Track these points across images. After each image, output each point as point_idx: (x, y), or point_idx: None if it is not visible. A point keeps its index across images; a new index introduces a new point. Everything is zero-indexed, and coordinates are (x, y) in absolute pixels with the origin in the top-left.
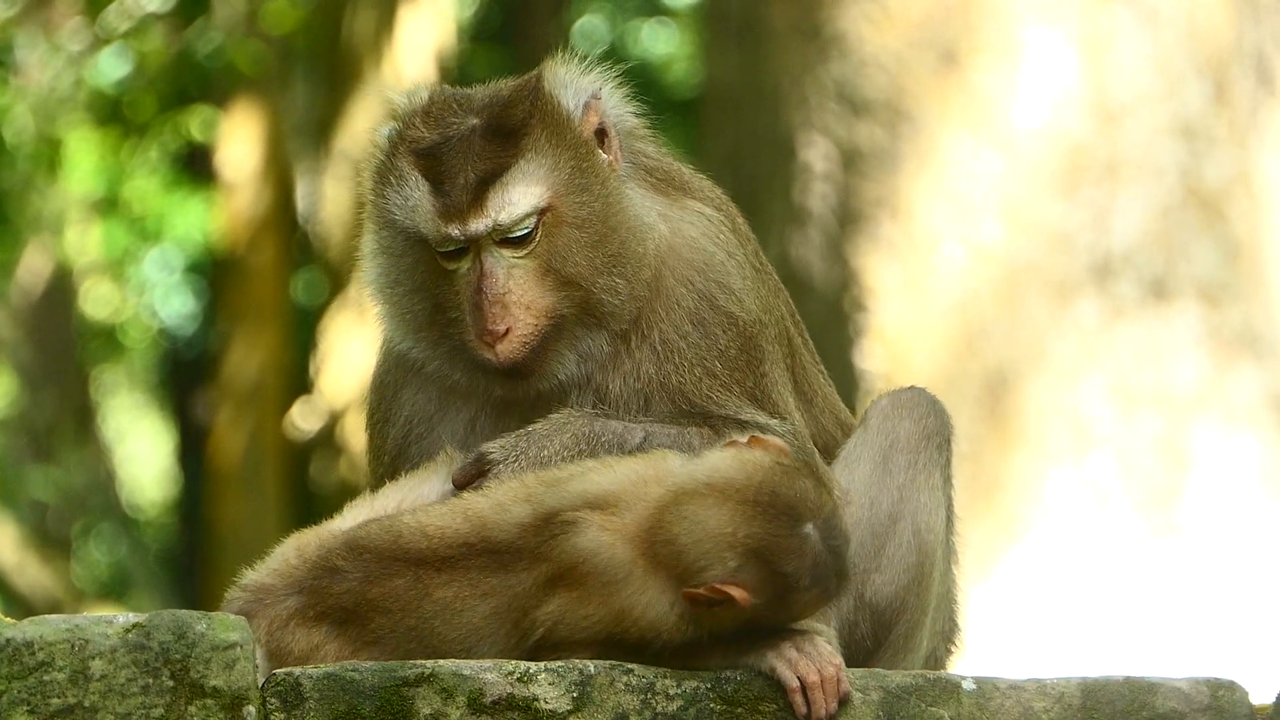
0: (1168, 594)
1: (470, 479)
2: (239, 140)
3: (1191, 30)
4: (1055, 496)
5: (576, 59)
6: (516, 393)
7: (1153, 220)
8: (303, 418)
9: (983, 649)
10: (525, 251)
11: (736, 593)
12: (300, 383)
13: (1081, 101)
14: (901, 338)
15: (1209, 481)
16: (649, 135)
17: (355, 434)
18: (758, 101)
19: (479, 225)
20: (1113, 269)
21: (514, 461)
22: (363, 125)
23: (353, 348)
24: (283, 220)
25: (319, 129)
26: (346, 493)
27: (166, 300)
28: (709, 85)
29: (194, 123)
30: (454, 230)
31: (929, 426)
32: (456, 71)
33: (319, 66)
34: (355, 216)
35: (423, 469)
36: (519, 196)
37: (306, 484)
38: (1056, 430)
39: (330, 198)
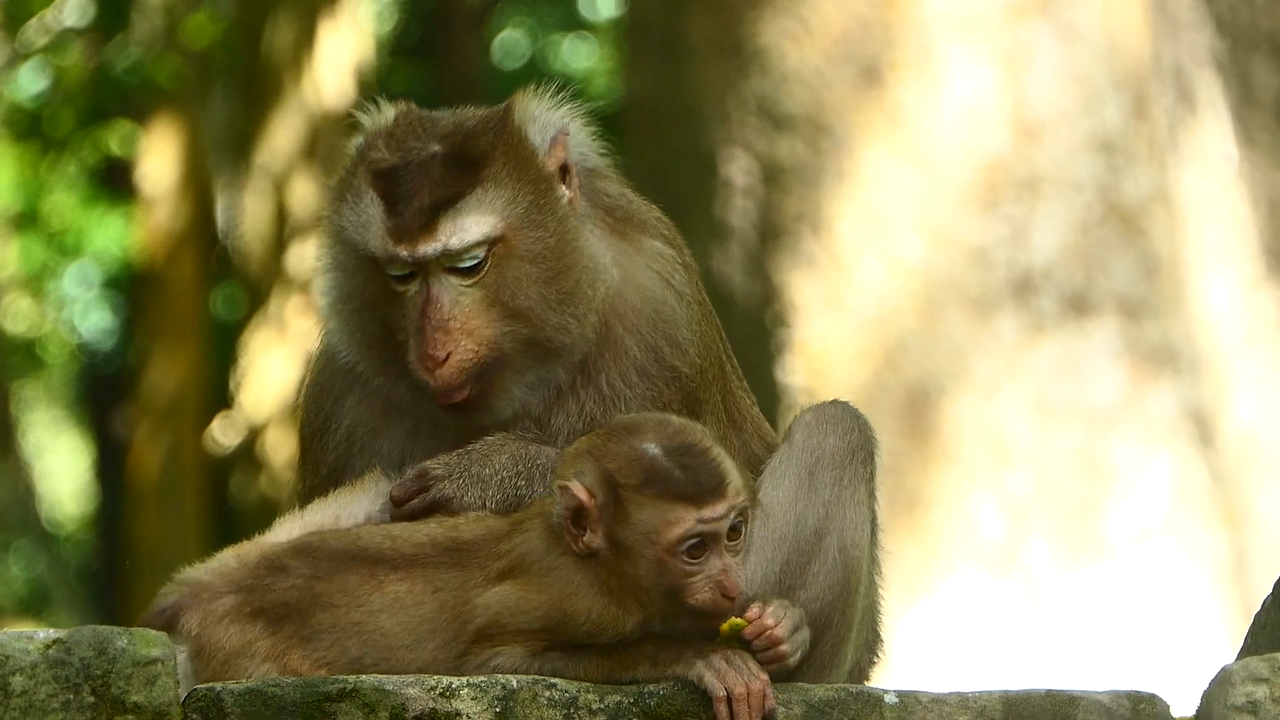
0: (1087, 609)
1: (411, 495)
2: (158, 155)
3: (1110, 46)
4: (975, 511)
5: (548, 92)
6: (460, 423)
7: (1072, 236)
8: (222, 433)
9: (904, 665)
10: (473, 280)
11: (575, 485)
12: (220, 398)
13: (1000, 117)
14: (822, 353)
15: (1127, 496)
16: (611, 174)
17: (275, 449)
18: (679, 116)
19: (428, 249)
20: (1032, 284)
21: (456, 478)
22: (282, 140)
23: (273, 363)
24: (202, 235)
25: (238, 144)
26: (266, 508)
27: (85, 315)
28: (630, 100)
29: (113, 138)
30: (403, 252)
31: (854, 441)
32: (376, 86)
33: (238, 81)
34: (314, 230)
35: (353, 486)
36: (471, 224)
37: (226, 499)
38: (976, 445)
39: (250, 213)
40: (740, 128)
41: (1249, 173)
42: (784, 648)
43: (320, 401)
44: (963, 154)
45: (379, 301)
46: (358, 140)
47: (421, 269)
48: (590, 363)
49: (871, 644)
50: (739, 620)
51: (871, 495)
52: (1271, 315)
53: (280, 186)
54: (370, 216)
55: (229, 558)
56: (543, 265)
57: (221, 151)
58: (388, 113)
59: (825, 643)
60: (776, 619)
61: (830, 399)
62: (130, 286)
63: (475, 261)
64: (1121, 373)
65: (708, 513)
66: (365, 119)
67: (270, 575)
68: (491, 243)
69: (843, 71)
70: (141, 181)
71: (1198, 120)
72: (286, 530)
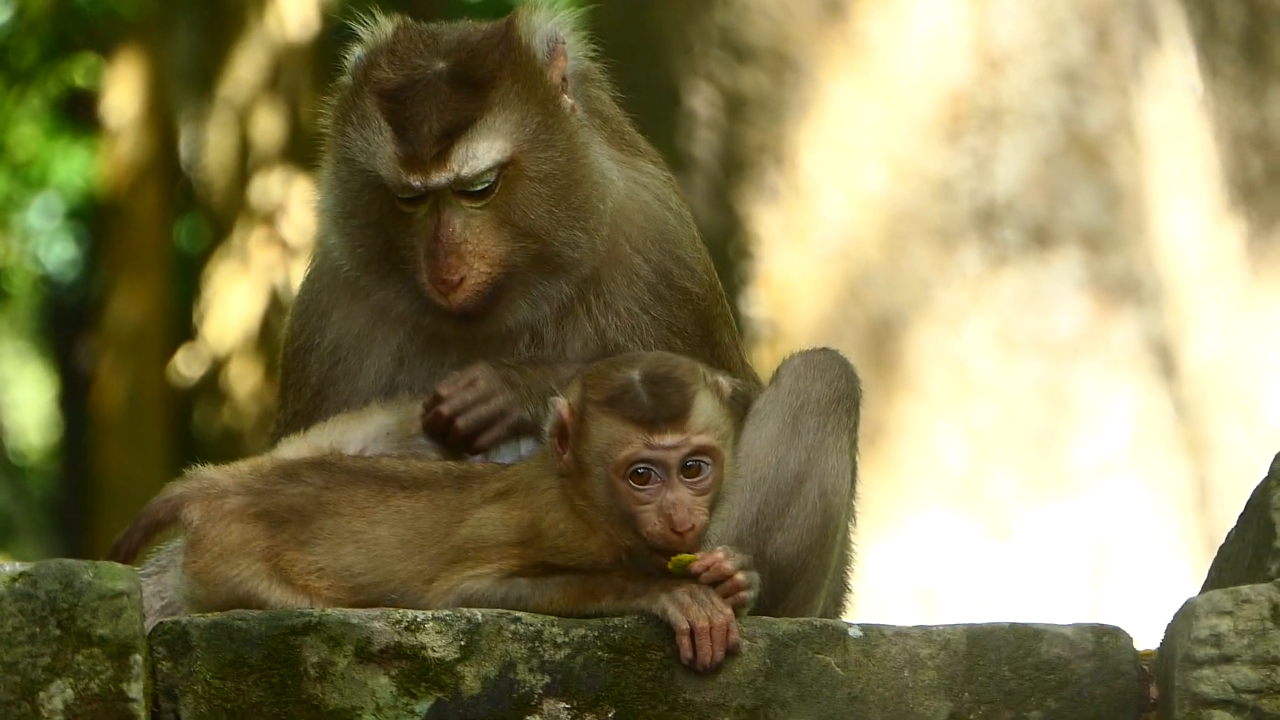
0: (1051, 541)
1: (461, 399)
2: (122, 87)
3: None
4: (939, 443)
5: (544, 5)
6: (465, 334)
7: (1035, 167)
8: (186, 365)
9: (869, 597)
10: (484, 203)
11: (560, 402)
12: (183, 330)
13: (964, 49)
14: (787, 285)
15: (1090, 427)
16: (604, 81)
17: (239, 381)
18: (642, 48)
19: (440, 177)
20: (995, 216)
21: (516, 388)
22: (246, 72)
23: (236, 295)
24: (166, 167)
25: (202, 76)
26: (230, 439)
27: (49, 247)
28: (592, 31)
29: (77, 70)
30: (415, 180)
31: (840, 389)
32: (340, 18)
33: (202, 13)
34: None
35: (357, 414)
36: (483, 151)
37: (190, 431)
38: (939, 376)
39: (213, 145)
40: (704, 59)
41: (1213, 104)
42: (740, 577)
43: (306, 318)
44: (926, 85)
45: (384, 220)
46: (357, 54)
47: (432, 193)
48: (602, 283)
49: (839, 595)
50: (687, 555)
51: (854, 445)
52: (1234, 246)
53: (244, 118)
54: (378, 141)
55: (244, 464)
56: (553, 184)
57: (185, 83)
58: (386, 26)
59: (799, 587)
60: (726, 554)
61: (820, 345)
62: (94, 218)
63: (486, 185)
64: (1084, 304)
65: (657, 440)
66: (363, 32)
67: (282, 482)
68: (503, 166)
69: (806, 3)
70: (105, 114)
71: (1161, 51)
72: (292, 450)
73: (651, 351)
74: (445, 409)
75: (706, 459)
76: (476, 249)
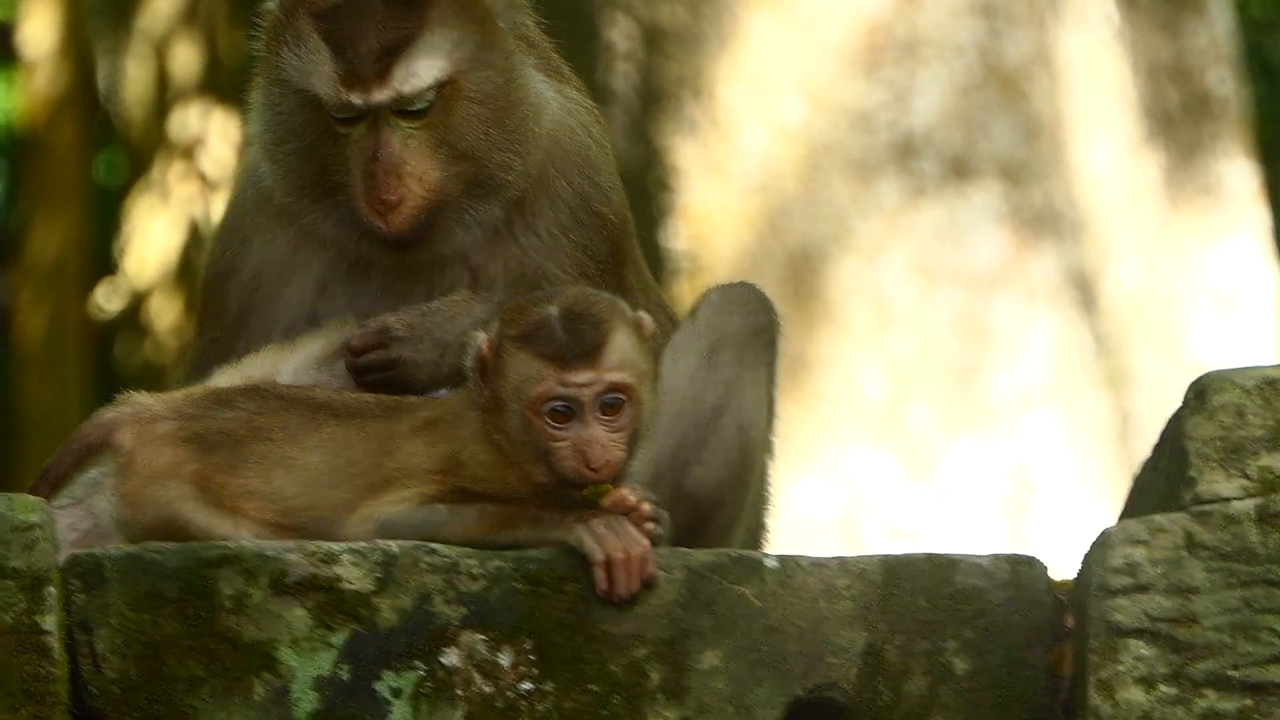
0: (970, 474)
1: (369, 347)
2: (38, 19)
3: None
4: (858, 375)
5: None
6: (396, 260)
7: (953, 99)
8: (106, 299)
9: (787, 529)
10: (422, 123)
11: (480, 336)
12: (103, 264)
13: None
14: (705, 217)
15: (1009, 360)
16: (529, 8)
17: (159, 315)
18: None
19: (381, 95)
20: (913, 148)
21: (416, 341)
22: (164, 4)
23: (156, 229)
24: (83, 100)
25: (119, 8)
26: (150, 373)
27: None
28: None
29: None
30: (355, 98)
31: (757, 323)
32: None
33: None
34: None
35: (288, 344)
36: (423, 69)
37: (110, 366)
38: (858, 309)
39: (131, 77)
40: None
41: (1129, 35)
42: (645, 508)
43: (227, 244)
44: (844, 17)
45: (319, 144)
46: None
47: (370, 113)
48: (526, 204)
49: (756, 532)
50: (603, 484)
51: (772, 380)
52: (1152, 178)
53: (161, 51)
54: (315, 61)
55: (178, 392)
56: (490, 105)
57: (102, 15)
58: None
59: (717, 522)
60: (632, 489)
61: (738, 280)
62: (11, 151)
63: (426, 105)
64: (1003, 236)
65: (570, 377)
66: None
67: (215, 407)
68: (442, 85)
69: None
70: (21, 45)
71: None
72: (225, 380)
73: (573, 286)
74: (353, 344)
75: (621, 396)
76: (414, 170)
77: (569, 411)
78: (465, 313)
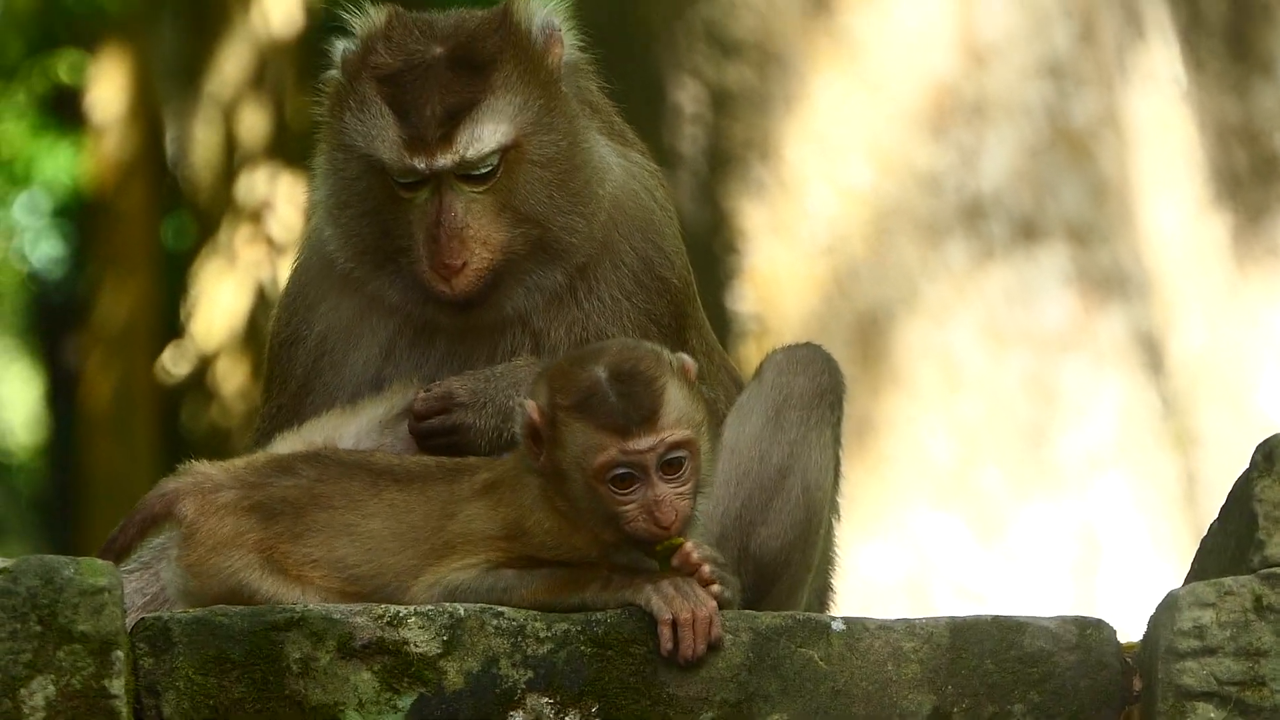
0: (1038, 536)
1: (432, 412)
2: (107, 83)
3: None
4: (926, 437)
5: None
6: (459, 322)
7: (1021, 160)
8: (173, 362)
9: (854, 592)
10: (486, 187)
11: (529, 404)
12: (170, 327)
13: (949, 42)
14: (772, 280)
15: (1077, 421)
16: (593, 74)
17: (226, 379)
18: (628, 43)
19: (444, 160)
20: (981, 209)
21: (479, 408)
22: (231, 68)
23: (223, 292)
24: (152, 164)
25: (187, 72)
26: (217, 437)
27: (35, 244)
28: (578, 25)
29: (62, 66)
30: (418, 163)
31: (823, 384)
32: (324, 15)
33: (187, 9)
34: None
35: (350, 407)
36: (487, 133)
37: (178, 429)
38: (927, 371)
39: (199, 141)
40: (689, 54)
41: (1197, 96)
42: (706, 569)
43: (293, 310)
44: (912, 79)
45: (382, 208)
46: (349, 45)
47: (433, 177)
48: (589, 269)
49: (822, 593)
50: (676, 539)
51: (837, 440)
52: (1220, 239)
53: (229, 115)
54: (378, 125)
55: (239, 460)
56: (554, 169)
57: (170, 79)
58: (378, 16)
59: (783, 583)
60: (696, 546)
61: (804, 340)
62: (80, 215)
63: (489, 169)
64: (1071, 298)
65: (632, 444)
66: (354, 23)
67: (276, 475)
68: (506, 149)
69: None
70: (91, 110)
71: (1146, 44)
72: (287, 446)
73: (615, 340)
74: (416, 408)
75: (683, 452)
76: (478, 234)
77: (633, 476)
78: (528, 378)
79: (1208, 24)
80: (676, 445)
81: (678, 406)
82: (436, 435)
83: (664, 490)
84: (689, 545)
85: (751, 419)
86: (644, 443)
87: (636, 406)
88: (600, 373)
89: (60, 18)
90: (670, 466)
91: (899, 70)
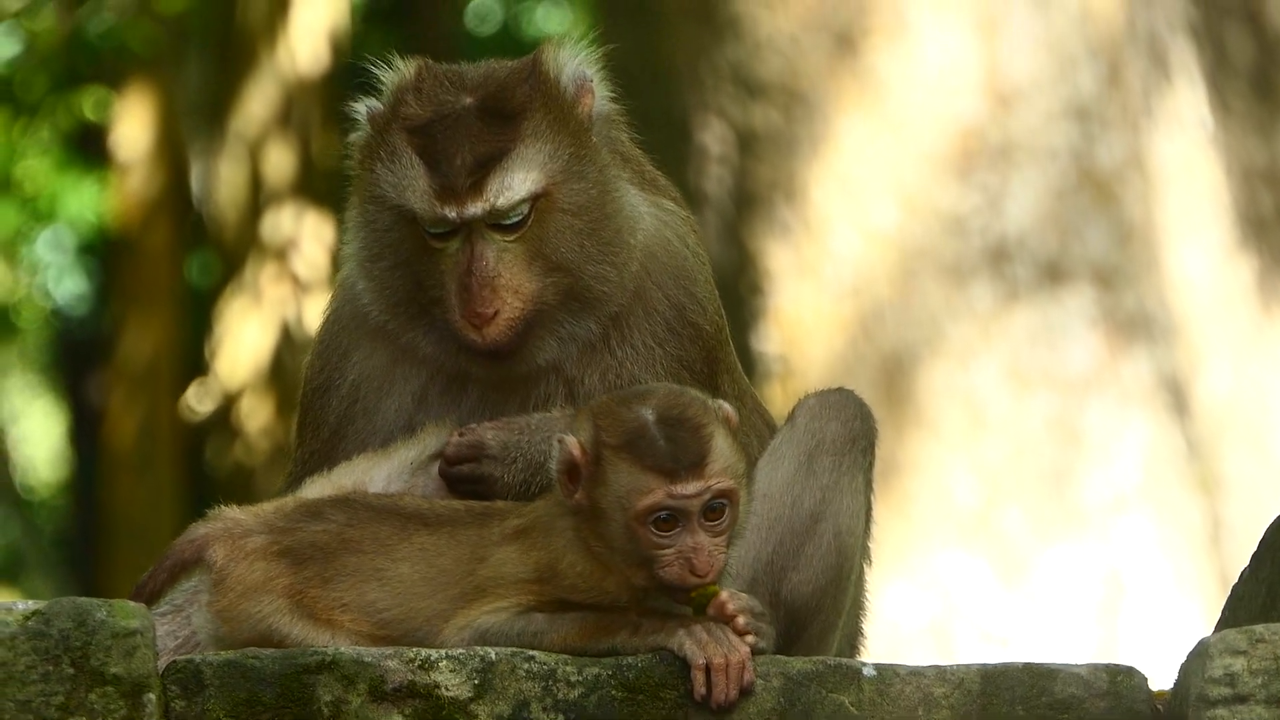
0: (1063, 578)
1: (463, 460)
2: (132, 121)
3: (1084, 12)
4: (951, 479)
5: (569, 41)
6: (492, 373)
7: (1046, 203)
8: (197, 400)
9: (881, 635)
10: (516, 236)
11: (570, 441)
12: (194, 365)
13: (975, 84)
14: (798, 321)
15: (1102, 463)
16: (623, 123)
17: (250, 417)
18: (653, 83)
19: (475, 209)
20: (1007, 252)
21: (510, 462)
22: (257, 106)
23: (247, 330)
24: (176, 202)
25: (213, 110)
26: (241, 475)
27: (59, 281)
28: (603, 66)
29: (87, 103)
30: (449, 212)
31: (855, 429)
32: (350, 53)
33: (212, 47)
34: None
35: (382, 452)
36: (517, 181)
37: (201, 467)
38: (951, 413)
39: (224, 179)
40: (715, 95)
41: (1223, 139)
42: (740, 620)
43: (326, 358)
44: (937, 121)
45: (413, 259)
46: (378, 98)
47: (464, 226)
48: (623, 317)
49: (853, 638)
50: (712, 587)
51: (869, 485)
52: (1245, 282)
53: (255, 153)
54: (409, 175)
55: (268, 505)
56: (584, 217)
57: (196, 117)
58: (407, 68)
59: (814, 628)
60: (732, 596)
61: (835, 385)
62: (105, 252)
63: (520, 218)
64: (1096, 340)
65: (679, 489)
66: (383, 75)
67: (305, 520)
68: (536, 197)
69: (817, 38)
70: (115, 147)
71: (1172, 86)
72: (316, 490)
73: (659, 384)
74: (447, 453)
75: (726, 501)
76: (510, 283)
77: (674, 520)
78: (555, 432)
79: (1234, 67)
80: (721, 494)
81: (724, 455)
82: (464, 482)
83: (703, 539)
84: (725, 595)
85: (784, 464)
86: (691, 488)
87: (685, 451)
88: (648, 415)
89: (85, 54)
90: (711, 514)
91: (924, 112)
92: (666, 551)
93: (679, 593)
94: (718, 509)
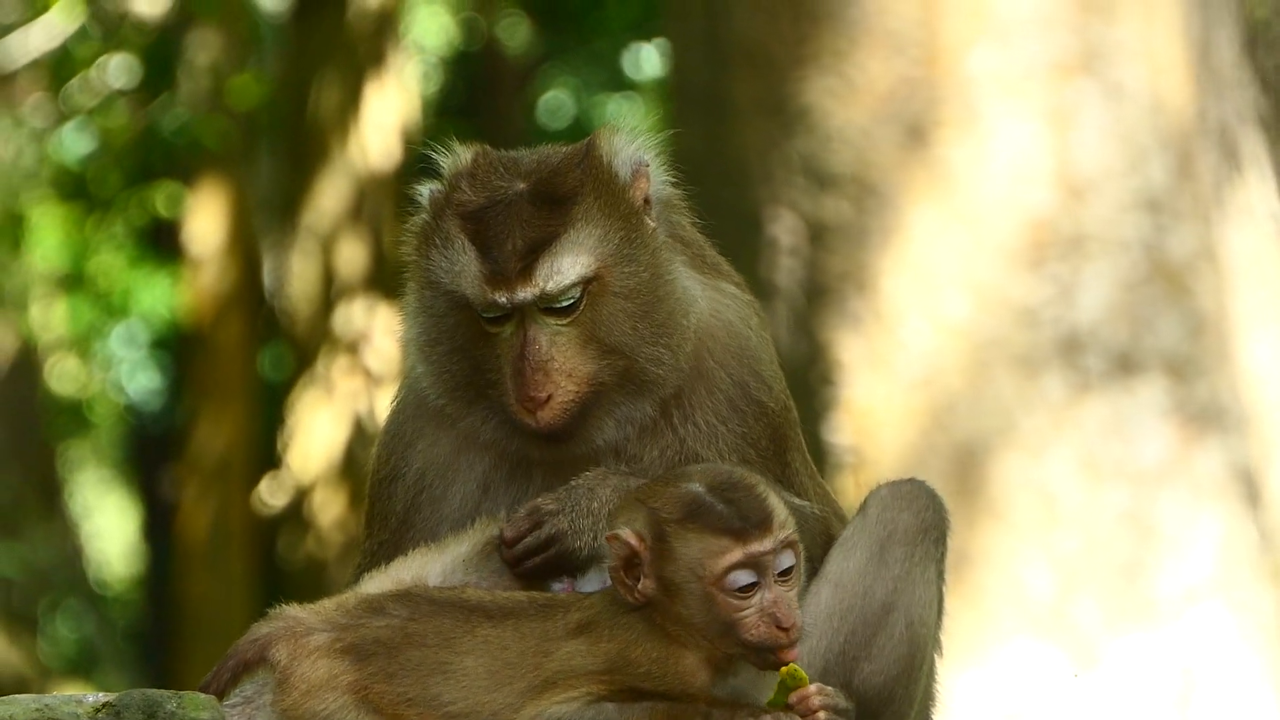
0: (1137, 670)
1: (524, 534)
2: (205, 216)
3: (1155, 104)
4: (1024, 571)
5: (625, 128)
6: (551, 455)
7: (1118, 294)
8: (270, 493)
9: None
10: (569, 320)
11: (624, 533)
12: (267, 458)
13: (1046, 176)
14: (869, 412)
15: (1175, 555)
16: (684, 208)
17: (323, 510)
18: (723, 176)
19: (525, 293)
20: (1079, 343)
21: (568, 513)
22: (329, 201)
23: (320, 423)
24: (249, 296)
25: (285, 204)
26: (314, 568)
27: (133, 376)
28: (674, 159)
29: (159, 198)
30: (500, 297)
31: (927, 520)
32: (422, 147)
33: (284, 142)
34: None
35: (436, 545)
36: (567, 266)
37: (274, 560)
38: (1024, 505)
39: (297, 273)
40: (785, 187)
41: None
42: (821, 716)
43: (392, 448)
44: (1008, 213)
45: (470, 344)
46: (436, 185)
47: (517, 311)
48: (684, 396)
49: None
50: (801, 672)
51: (940, 576)
52: None
53: (327, 247)
54: (462, 261)
55: (329, 602)
56: (637, 300)
57: (268, 212)
58: (464, 154)
59: (885, 719)
60: (820, 689)
61: (908, 476)
62: (177, 347)
63: (571, 301)
64: (1169, 431)
65: (755, 546)
66: (441, 161)
67: (367, 615)
68: (587, 281)
69: (888, 130)
70: (188, 242)
71: (1243, 178)
72: (375, 585)
73: (691, 465)
74: (507, 534)
75: (794, 555)
76: (563, 366)
77: (753, 583)
78: (603, 483)
79: None
80: (790, 544)
81: (781, 509)
82: (533, 554)
83: (780, 591)
84: (813, 688)
85: (856, 554)
86: (765, 544)
87: (749, 510)
88: (697, 486)
89: (158, 150)
90: (783, 572)
91: (996, 203)
92: (748, 613)
93: (767, 654)
94: (789, 567)
